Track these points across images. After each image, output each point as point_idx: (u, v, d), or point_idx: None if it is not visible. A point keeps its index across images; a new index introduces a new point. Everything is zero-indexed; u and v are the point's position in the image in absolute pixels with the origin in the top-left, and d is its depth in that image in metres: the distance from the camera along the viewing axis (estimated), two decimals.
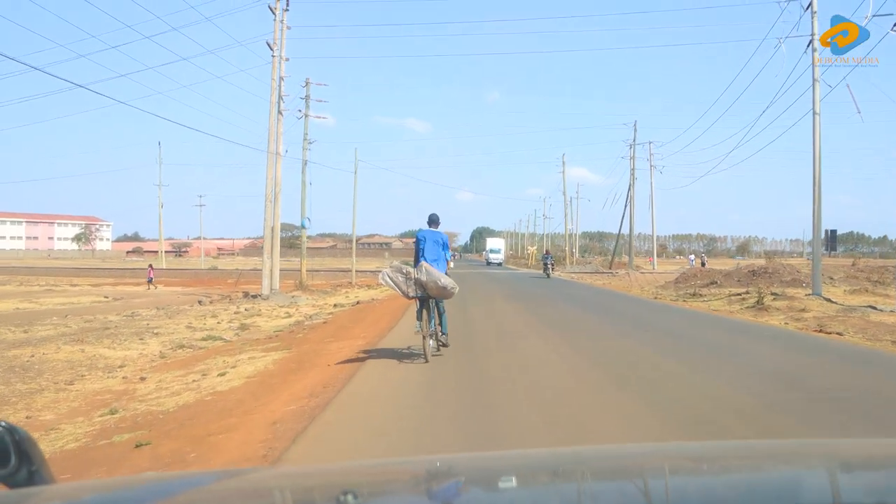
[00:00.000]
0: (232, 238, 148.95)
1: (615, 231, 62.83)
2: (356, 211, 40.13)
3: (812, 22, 18.92)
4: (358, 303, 22.02)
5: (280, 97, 25.01)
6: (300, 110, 29.36)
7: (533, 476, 1.62)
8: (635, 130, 56.95)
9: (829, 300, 19.37)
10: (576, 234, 75.26)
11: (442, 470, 1.69)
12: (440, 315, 9.09)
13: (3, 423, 1.26)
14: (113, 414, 7.31)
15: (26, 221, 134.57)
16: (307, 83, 29.43)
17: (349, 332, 12.89)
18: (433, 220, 9.25)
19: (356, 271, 51.33)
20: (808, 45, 19.19)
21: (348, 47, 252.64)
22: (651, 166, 55.60)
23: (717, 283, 26.89)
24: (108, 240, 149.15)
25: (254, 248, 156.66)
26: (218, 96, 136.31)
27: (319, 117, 30.54)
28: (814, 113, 19.28)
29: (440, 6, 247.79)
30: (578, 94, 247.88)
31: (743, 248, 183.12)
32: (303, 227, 29.89)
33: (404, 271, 8.69)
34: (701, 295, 24.43)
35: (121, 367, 11.06)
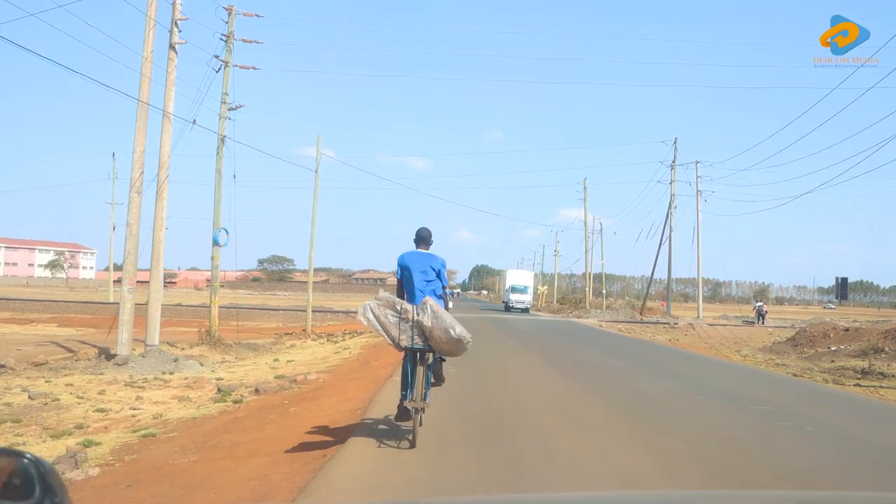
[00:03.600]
0: (228, 269, 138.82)
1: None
2: (315, 223, 29.07)
3: None
4: (258, 390, 11.00)
5: (175, 23, 14.90)
6: (216, 56, 19.10)
7: None
8: (675, 149, 46.95)
9: None
10: (602, 273, 64.73)
11: None
12: (436, 373, 6.16)
13: (29, 456, 1.23)
14: None
15: (5, 247, 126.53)
16: (231, 13, 18.99)
17: None
18: (423, 238, 6.22)
19: (329, 312, 40.83)
20: None
21: (348, 83, 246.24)
22: (697, 191, 45.36)
23: (885, 351, 16.47)
24: (90, 268, 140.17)
25: (244, 281, 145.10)
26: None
27: (248, 67, 20.25)
28: None
29: (445, 42, 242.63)
30: (579, 141, 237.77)
31: (761, 295, 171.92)
32: (215, 242, 18.82)
33: (398, 307, 5.71)
34: (883, 374, 14.02)
35: None
